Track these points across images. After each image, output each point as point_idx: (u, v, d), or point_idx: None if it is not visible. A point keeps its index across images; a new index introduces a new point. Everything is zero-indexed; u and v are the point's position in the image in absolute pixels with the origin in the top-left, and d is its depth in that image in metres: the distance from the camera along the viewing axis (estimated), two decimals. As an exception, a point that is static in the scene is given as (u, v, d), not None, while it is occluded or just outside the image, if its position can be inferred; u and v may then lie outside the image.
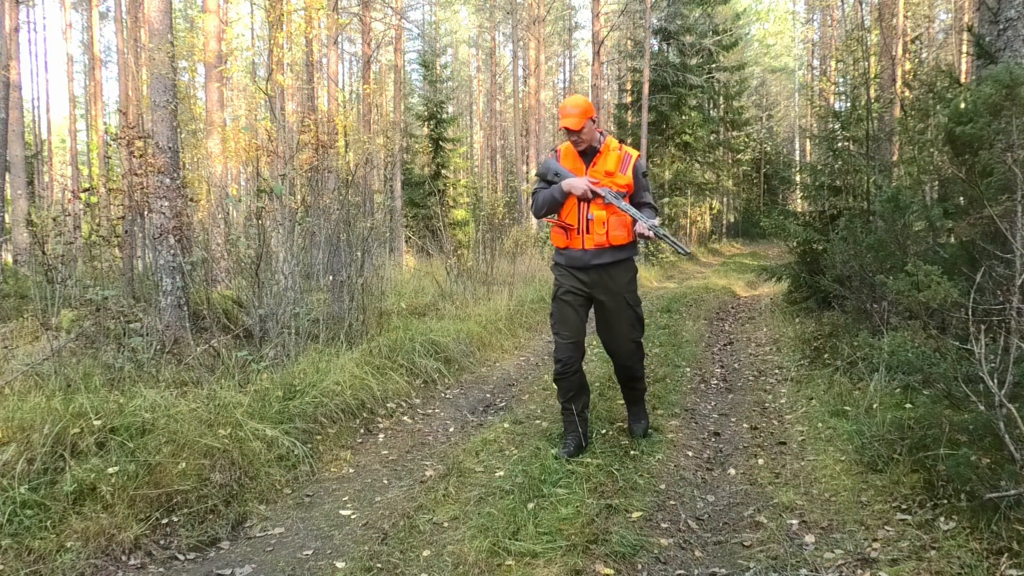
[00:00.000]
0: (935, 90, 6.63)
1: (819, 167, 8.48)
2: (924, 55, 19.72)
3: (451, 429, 4.29)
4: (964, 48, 16.69)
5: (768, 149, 33.68)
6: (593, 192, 3.34)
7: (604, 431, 3.89)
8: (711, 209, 25.52)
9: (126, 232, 6.53)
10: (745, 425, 4.23)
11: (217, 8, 11.42)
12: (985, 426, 2.77)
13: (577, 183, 3.35)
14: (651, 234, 3.24)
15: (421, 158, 21.15)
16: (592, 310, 3.65)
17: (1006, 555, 2.32)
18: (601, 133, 3.48)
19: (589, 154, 3.46)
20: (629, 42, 22.44)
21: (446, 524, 2.85)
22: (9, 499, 2.60)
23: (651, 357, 5.93)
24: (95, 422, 3.10)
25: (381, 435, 4.14)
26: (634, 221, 3.32)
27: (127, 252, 6.63)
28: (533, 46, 22.74)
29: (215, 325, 5.09)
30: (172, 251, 5.49)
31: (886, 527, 2.70)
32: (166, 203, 5.55)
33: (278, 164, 6.06)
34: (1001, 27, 4.39)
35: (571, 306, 3.52)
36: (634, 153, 3.47)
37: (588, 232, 3.42)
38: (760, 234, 22.75)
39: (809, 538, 2.68)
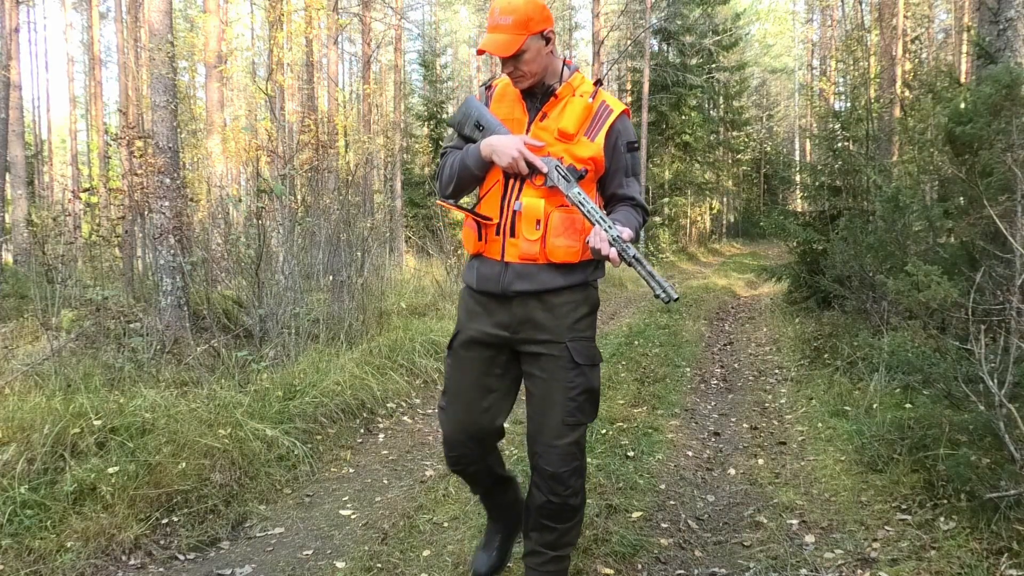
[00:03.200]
0: (935, 90, 6.64)
1: (819, 167, 8.50)
2: (924, 55, 19.72)
3: (451, 429, 4.28)
4: (964, 48, 16.69)
5: (768, 149, 33.73)
6: (530, 164, 1.89)
7: (604, 431, 3.89)
8: (711, 209, 25.58)
9: (126, 232, 6.53)
10: (745, 425, 4.23)
11: (217, 8, 11.42)
12: (985, 426, 2.77)
13: (503, 145, 1.90)
14: (613, 253, 1.78)
15: (421, 158, 21.15)
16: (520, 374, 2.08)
17: (1006, 555, 2.32)
18: (568, 65, 2.02)
19: (542, 97, 2.00)
20: (629, 42, 22.44)
21: (446, 524, 2.85)
22: (9, 499, 2.60)
23: (651, 357, 5.93)
24: (95, 422, 3.10)
25: (381, 435, 4.14)
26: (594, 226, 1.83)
27: (127, 252, 6.64)
28: (533, 46, 22.72)
29: (215, 325, 5.09)
30: (172, 251, 5.49)
31: (886, 527, 2.70)
32: (166, 203, 5.55)
33: (278, 164, 6.07)
34: (1001, 27, 4.39)
35: (471, 367, 2.04)
36: (617, 107, 1.98)
37: (512, 234, 1.94)
38: (760, 234, 22.77)
39: (809, 538, 2.68)
